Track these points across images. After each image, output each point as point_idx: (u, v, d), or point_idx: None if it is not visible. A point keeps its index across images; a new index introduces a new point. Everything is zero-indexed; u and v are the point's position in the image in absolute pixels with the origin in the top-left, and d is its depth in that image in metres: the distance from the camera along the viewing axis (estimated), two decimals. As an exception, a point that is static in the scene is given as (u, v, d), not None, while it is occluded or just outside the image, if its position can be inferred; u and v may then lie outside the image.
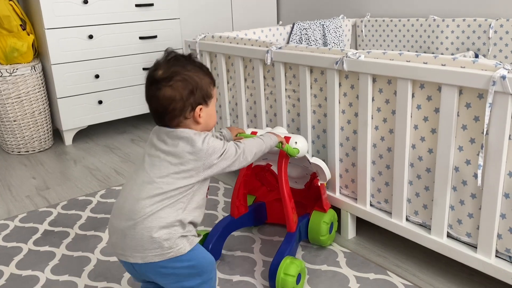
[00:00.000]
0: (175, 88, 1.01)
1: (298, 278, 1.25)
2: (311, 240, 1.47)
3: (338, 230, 1.59)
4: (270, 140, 1.22)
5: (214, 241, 1.40)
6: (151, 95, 1.04)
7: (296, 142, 1.33)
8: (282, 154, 1.33)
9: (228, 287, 1.31)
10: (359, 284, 1.30)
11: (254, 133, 1.39)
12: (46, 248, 1.58)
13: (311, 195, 1.59)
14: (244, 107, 1.90)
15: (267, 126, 1.89)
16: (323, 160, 1.57)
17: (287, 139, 1.33)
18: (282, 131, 1.40)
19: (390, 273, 1.34)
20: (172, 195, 1.00)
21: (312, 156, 1.58)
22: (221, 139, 1.22)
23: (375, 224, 1.44)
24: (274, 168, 1.62)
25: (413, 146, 1.27)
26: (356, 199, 1.49)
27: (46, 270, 1.45)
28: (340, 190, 1.55)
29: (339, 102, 1.45)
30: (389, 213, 1.41)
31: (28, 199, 2.01)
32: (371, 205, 1.46)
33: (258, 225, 1.64)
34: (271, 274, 1.25)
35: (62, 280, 1.40)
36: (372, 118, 1.36)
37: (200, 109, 1.04)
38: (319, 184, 1.45)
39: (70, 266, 1.47)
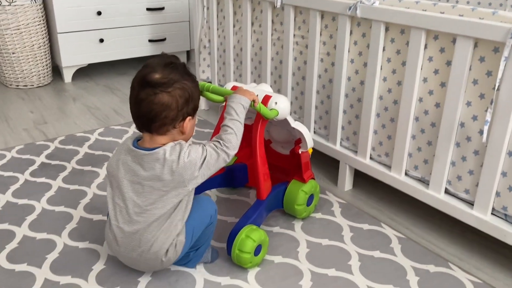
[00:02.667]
0: (173, 95, 0.99)
1: (258, 250, 1.15)
2: (285, 209, 1.35)
3: (335, 182, 1.59)
4: (242, 108, 1.10)
5: None
6: (142, 98, 0.98)
7: (276, 103, 1.18)
8: (259, 115, 1.20)
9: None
10: (352, 233, 1.31)
11: (234, 88, 1.25)
12: (43, 179, 1.58)
13: (295, 163, 1.39)
14: (249, 53, 1.85)
15: (255, 81, 1.86)
16: (326, 113, 1.55)
17: (267, 98, 1.19)
18: (265, 89, 1.27)
19: (384, 225, 1.35)
20: (168, 214, 1.02)
21: (296, 120, 1.44)
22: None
23: (373, 177, 1.44)
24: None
25: (420, 100, 1.25)
26: (356, 151, 1.48)
27: (42, 200, 1.45)
28: (341, 142, 1.54)
29: (349, 51, 1.41)
30: (388, 166, 1.40)
31: (26, 132, 2.00)
32: (371, 158, 1.45)
33: (237, 187, 1.53)
34: (229, 242, 1.15)
35: (58, 211, 1.40)
36: (381, 68, 1.33)
37: (189, 119, 1.04)
38: (300, 152, 1.31)
39: (66, 198, 1.47)
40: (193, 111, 1.05)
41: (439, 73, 1.19)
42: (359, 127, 1.44)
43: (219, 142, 1.05)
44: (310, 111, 1.59)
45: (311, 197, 1.35)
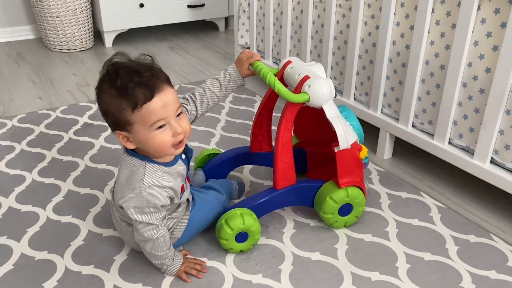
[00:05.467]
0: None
1: (243, 238, 1.08)
2: (316, 210, 1.18)
3: (374, 150, 1.56)
4: (166, 263, 1.00)
5: (211, 166, 1.29)
6: None
7: (309, 86, 1.01)
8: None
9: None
10: (390, 201, 1.29)
11: (288, 62, 1.12)
12: (86, 138, 1.63)
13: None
14: (290, 16, 1.81)
15: (311, 54, 1.81)
16: (368, 79, 1.51)
17: (305, 79, 1.04)
18: (315, 70, 1.08)
19: (423, 194, 1.32)
20: None
21: (337, 87, 1.35)
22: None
23: (415, 145, 1.40)
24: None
25: (469, 64, 1.19)
26: (398, 119, 1.44)
27: (86, 158, 1.50)
28: (382, 109, 1.50)
29: (395, 13, 1.35)
30: (431, 135, 1.36)
31: (69, 93, 2.05)
32: (413, 125, 1.41)
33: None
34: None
35: (101, 168, 1.45)
36: (428, 32, 1.27)
37: (120, 135, 0.91)
38: (335, 150, 1.09)
39: (108, 156, 1.51)
40: (119, 126, 0.89)
41: (492, 36, 1.13)
42: (402, 94, 1.39)
43: (160, 227, 0.96)
44: (351, 77, 1.55)
45: (347, 207, 1.15)
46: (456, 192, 1.35)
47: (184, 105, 1.07)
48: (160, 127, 0.89)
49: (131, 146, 0.92)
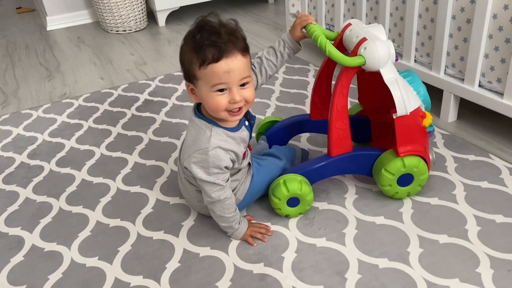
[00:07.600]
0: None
1: (295, 202, 1.08)
2: (375, 180, 1.14)
3: (437, 113, 1.50)
4: (229, 228, 1.04)
5: (271, 132, 1.30)
6: None
7: (365, 48, 0.98)
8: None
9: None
10: (457, 164, 1.24)
11: (348, 25, 1.08)
12: (147, 114, 1.69)
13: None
14: (343, -20, 1.75)
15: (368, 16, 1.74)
16: (429, 38, 1.44)
17: (361, 41, 1.00)
18: (374, 32, 1.03)
19: (492, 156, 1.26)
20: None
21: (396, 50, 1.30)
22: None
23: (482, 105, 1.33)
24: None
25: (545, 14, 1.10)
26: (463, 79, 1.37)
27: (149, 132, 1.56)
28: (445, 69, 1.43)
29: (458, -35, 1.27)
30: (500, 94, 1.29)
31: (128, 72, 2.13)
32: (479, 85, 1.34)
33: (358, 142, 1.32)
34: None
35: (164, 141, 1.50)
36: (496, -18, 1.19)
37: (188, 86, 0.96)
38: (394, 117, 1.04)
39: (169, 130, 1.56)
40: (188, 77, 0.95)
41: None
42: (467, 52, 1.32)
43: (225, 186, 0.99)
44: (410, 38, 1.49)
45: (407, 177, 1.09)
46: (529, 153, 1.28)
47: None
48: (221, 90, 0.91)
49: (195, 99, 0.97)
